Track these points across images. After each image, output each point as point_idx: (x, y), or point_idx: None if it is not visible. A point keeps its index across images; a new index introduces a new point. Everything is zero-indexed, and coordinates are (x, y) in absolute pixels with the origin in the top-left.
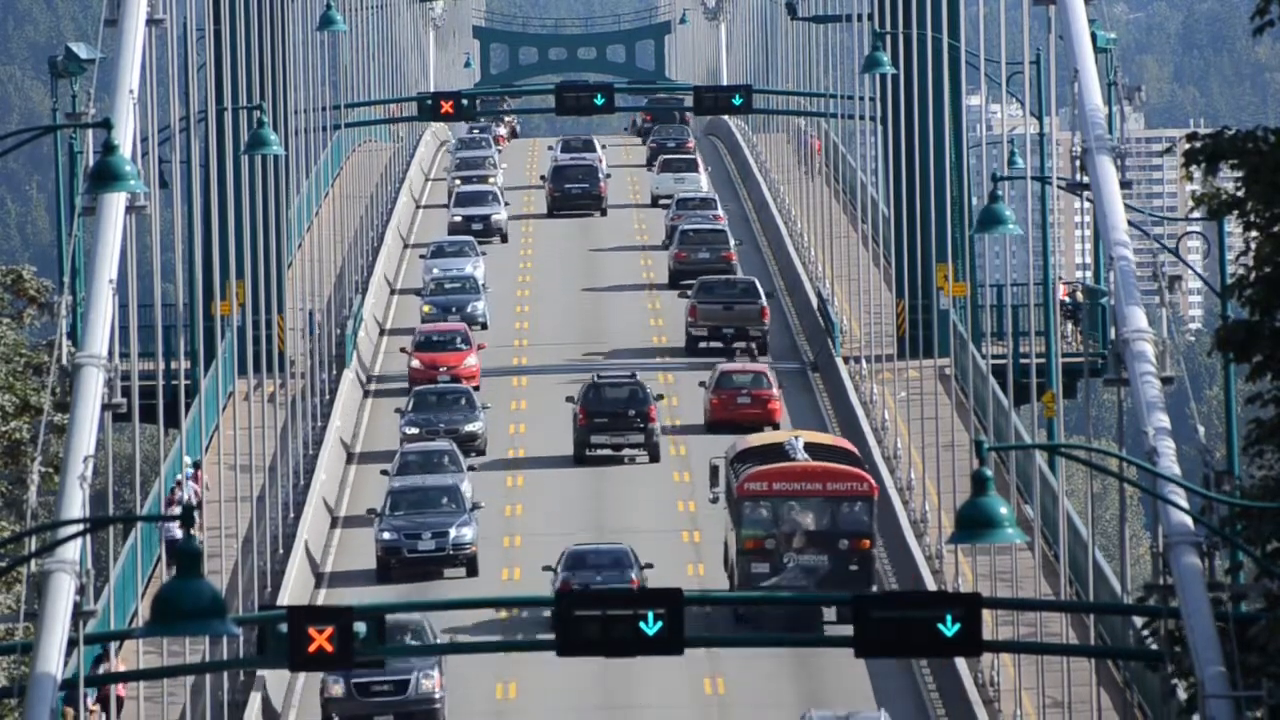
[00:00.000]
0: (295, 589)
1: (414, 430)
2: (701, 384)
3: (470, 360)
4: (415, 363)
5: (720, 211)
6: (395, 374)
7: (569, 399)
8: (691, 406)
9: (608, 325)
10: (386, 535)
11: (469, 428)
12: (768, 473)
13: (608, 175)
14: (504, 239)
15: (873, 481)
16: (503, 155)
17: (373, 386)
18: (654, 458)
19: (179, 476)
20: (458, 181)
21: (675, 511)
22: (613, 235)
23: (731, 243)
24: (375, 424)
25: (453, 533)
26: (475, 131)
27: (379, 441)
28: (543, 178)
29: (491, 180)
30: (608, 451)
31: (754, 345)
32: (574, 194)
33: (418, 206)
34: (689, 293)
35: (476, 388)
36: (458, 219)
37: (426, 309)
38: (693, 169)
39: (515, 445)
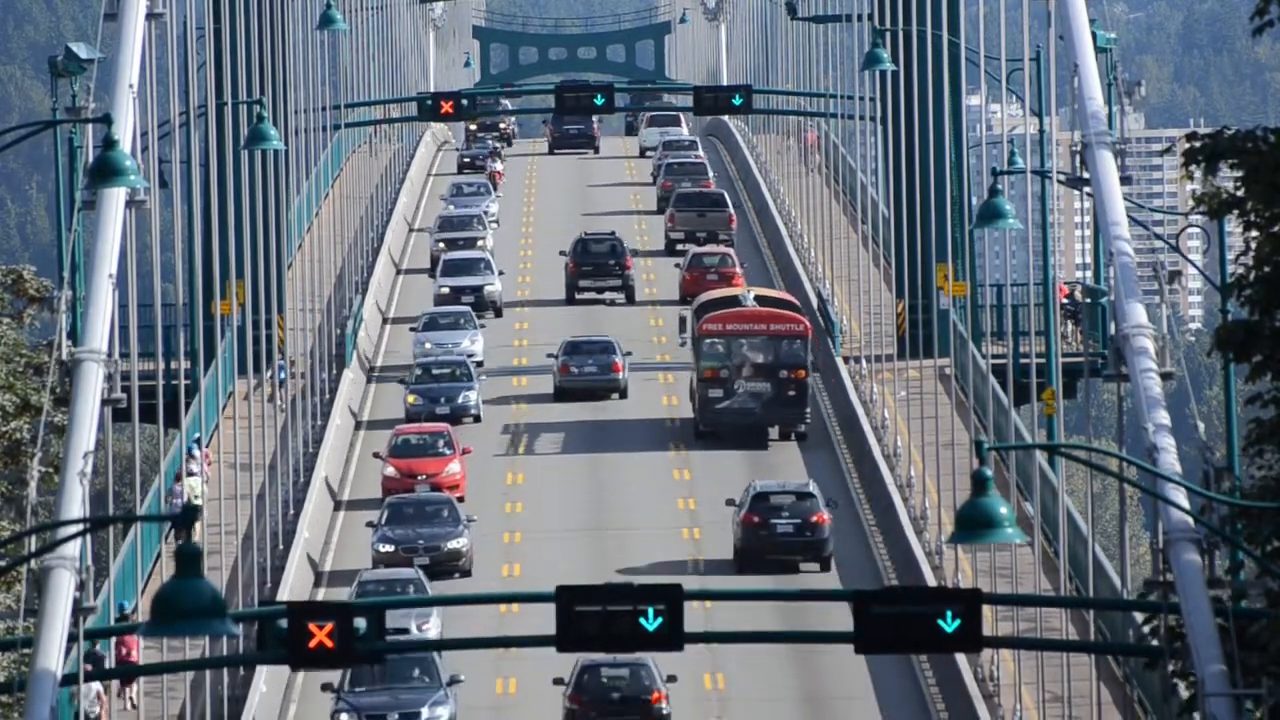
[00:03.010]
0: (295, 585)
1: (388, 548)
2: (676, 265)
3: (453, 468)
4: (390, 470)
5: (701, 153)
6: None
7: (561, 253)
8: (668, 285)
9: None
10: (345, 717)
11: (452, 545)
12: (723, 316)
13: (600, 119)
14: (498, 313)
15: (808, 324)
16: (500, 187)
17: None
18: (630, 299)
19: (187, 452)
20: (442, 245)
21: (653, 362)
22: (605, 175)
23: (711, 174)
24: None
25: (425, 713)
26: (471, 158)
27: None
28: (544, 121)
29: (481, 244)
30: (592, 294)
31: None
32: (571, 134)
33: (398, 271)
34: (668, 204)
35: (461, 498)
36: (445, 291)
37: (411, 399)
38: (676, 124)
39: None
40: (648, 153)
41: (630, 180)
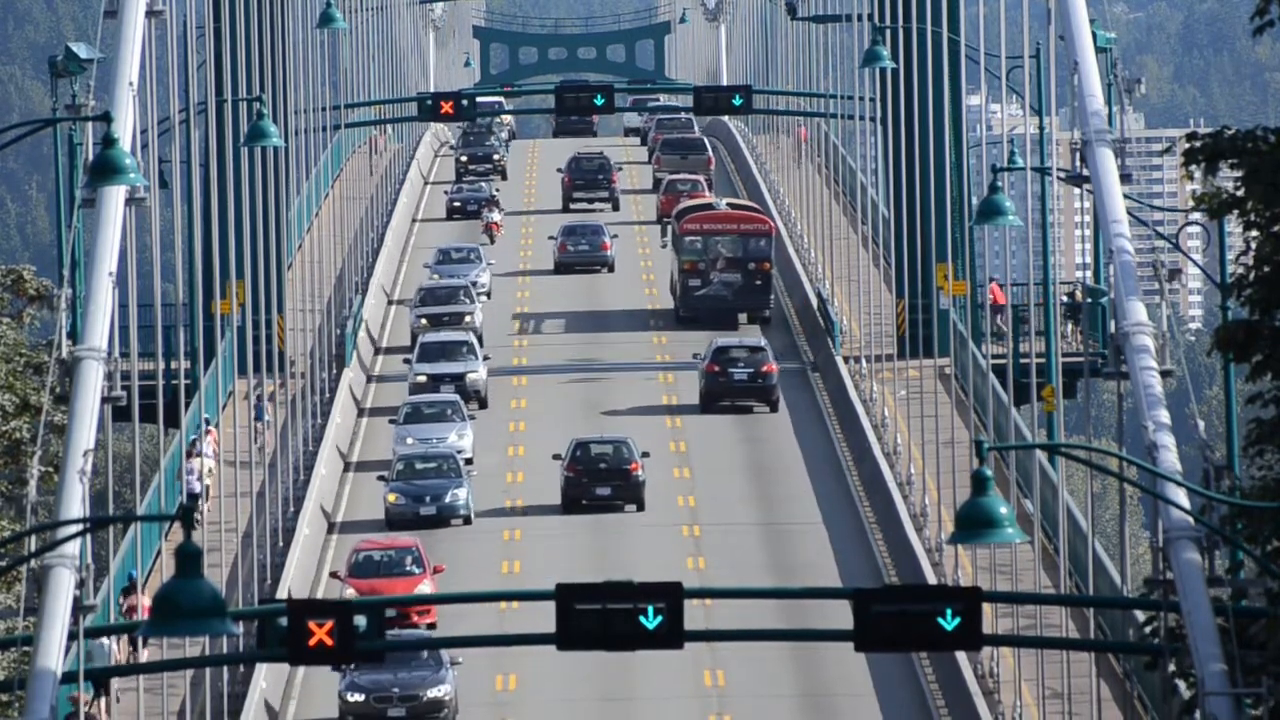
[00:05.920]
0: (295, 583)
1: (358, 697)
2: (656, 190)
3: (423, 588)
4: (350, 592)
5: (685, 118)
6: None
7: (558, 170)
8: (651, 211)
9: None
10: (394, 497)
11: (433, 693)
12: (700, 217)
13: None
14: (482, 404)
15: (771, 224)
16: (499, 237)
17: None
18: (615, 208)
19: (195, 436)
20: (423, 321)
21: (638, 266)
22: (601, 144)
23: (697, 129)
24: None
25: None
26: (462, 202)
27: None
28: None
29: (467, 320)
30: (584, 205)
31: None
32: (573, 121)
33: (377, 350)
34: (655, 150)
35: (432, 625)
36: (421, 378)
37: (391, 498)
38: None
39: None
40: (630, 134)
41: (622, 145)
